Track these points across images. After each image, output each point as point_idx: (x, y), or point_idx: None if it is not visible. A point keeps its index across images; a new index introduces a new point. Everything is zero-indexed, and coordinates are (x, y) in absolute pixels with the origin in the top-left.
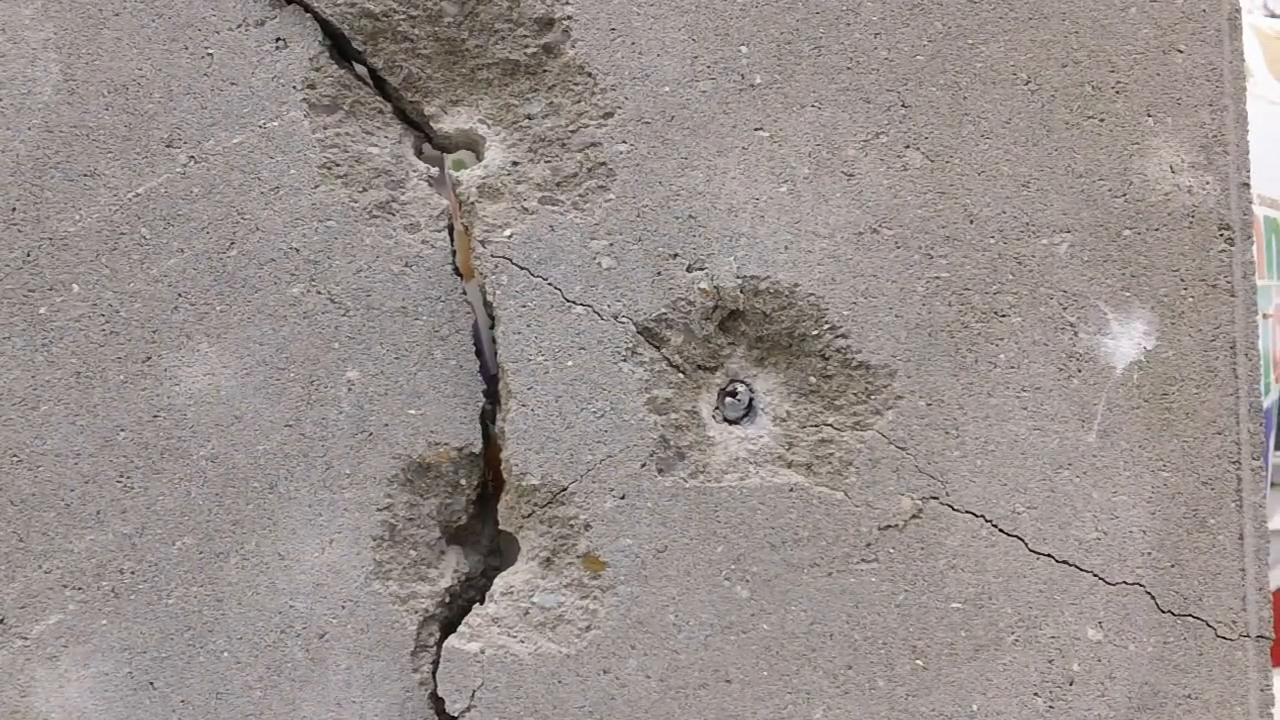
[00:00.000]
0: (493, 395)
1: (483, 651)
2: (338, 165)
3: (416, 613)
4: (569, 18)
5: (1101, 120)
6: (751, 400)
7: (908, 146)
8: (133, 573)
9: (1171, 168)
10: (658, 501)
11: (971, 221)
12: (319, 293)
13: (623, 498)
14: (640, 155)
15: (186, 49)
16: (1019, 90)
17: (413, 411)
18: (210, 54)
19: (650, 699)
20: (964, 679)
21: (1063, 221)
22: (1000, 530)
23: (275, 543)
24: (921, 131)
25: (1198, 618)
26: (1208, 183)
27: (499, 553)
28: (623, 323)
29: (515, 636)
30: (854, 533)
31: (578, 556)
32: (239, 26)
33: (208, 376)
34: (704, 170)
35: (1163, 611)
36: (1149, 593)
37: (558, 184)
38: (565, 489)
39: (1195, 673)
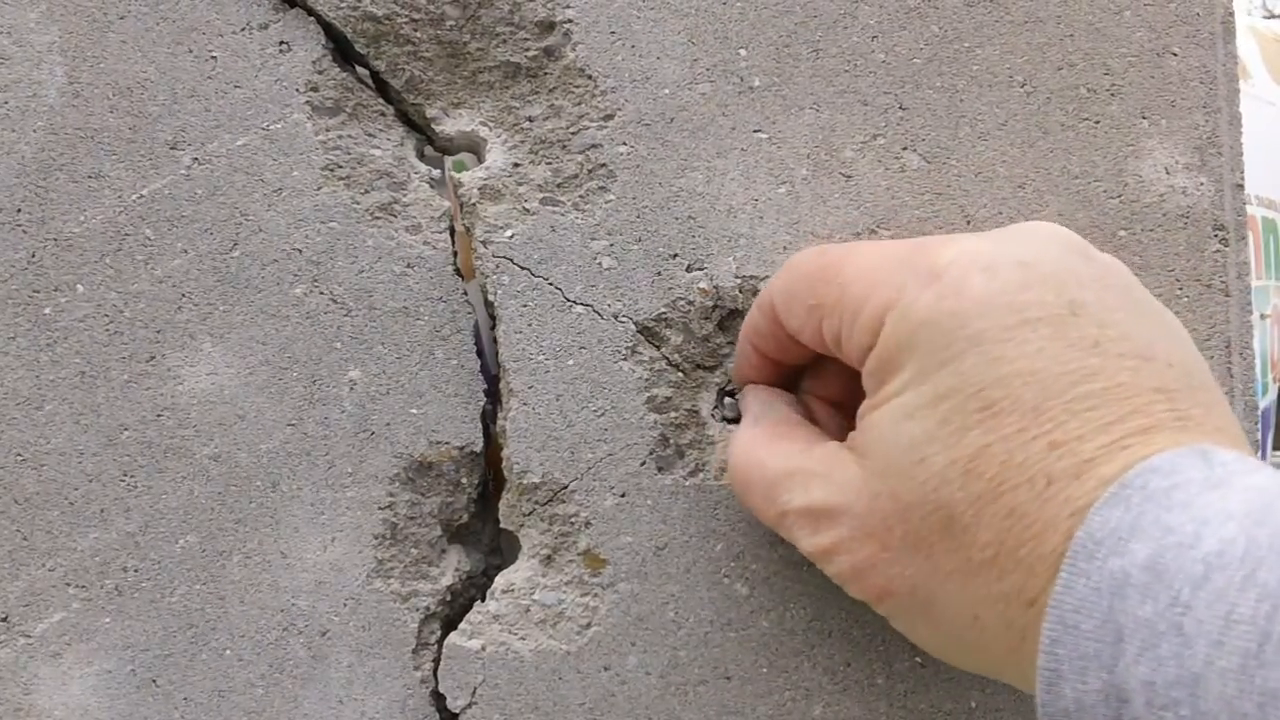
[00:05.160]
0: (493, 395)
1: (484, 649)
2: (340, 167)
3: (418, 610)
4: (570, 21)
5: (1097, 122)
6: None
7: (905, 148)
8: (136, 571)
9: (1166, 169)
10: (658, 499)
11: (968, 222)
12: (321, 293)
13: (623, 495)
14: (640, 157)
15: (191, 52)
16: (1015, 93)
17: (414, 411)
18: (214, 57)
19: (651, 695)
20: (962, 675)
21: (1059, 222)
22: None
23: (277, 541)
24: (919, 133)
25: None
26: (1202, 184)
27: (500, 551)
28: (623, 322)
29: (516, 634)
30: None
31: (578, 554)
32: (242, 30)
33: (211, 376)
34: (703, 171)
35: None
36: None
37: (558, 185)
38: (566, 487)
39: None
